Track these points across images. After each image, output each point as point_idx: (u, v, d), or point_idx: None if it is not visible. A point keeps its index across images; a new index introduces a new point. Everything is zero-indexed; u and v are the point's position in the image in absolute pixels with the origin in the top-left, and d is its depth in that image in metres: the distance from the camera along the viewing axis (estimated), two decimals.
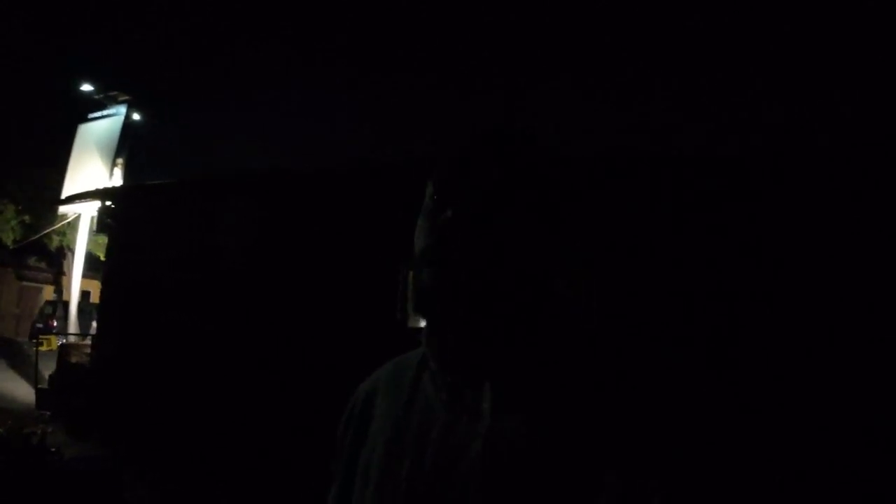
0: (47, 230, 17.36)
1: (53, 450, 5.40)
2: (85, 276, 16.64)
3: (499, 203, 0.60)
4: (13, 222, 17.82)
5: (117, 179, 15.60)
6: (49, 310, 17.54)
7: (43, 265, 21.16)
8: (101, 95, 17.98)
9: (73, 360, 8.45)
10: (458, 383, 0.64)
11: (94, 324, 11.78)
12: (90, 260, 16.34)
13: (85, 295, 18.17)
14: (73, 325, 15.06)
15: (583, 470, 0.54)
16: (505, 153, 0.63)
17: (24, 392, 9.53)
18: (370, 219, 4.74)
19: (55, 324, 16.10)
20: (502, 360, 0.62)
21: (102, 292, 8.05)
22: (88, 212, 14.86)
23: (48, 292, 20.75)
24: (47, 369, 9.14)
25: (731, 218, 3.45)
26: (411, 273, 0.65)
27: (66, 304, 16.24)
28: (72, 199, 11.05)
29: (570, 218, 0.64)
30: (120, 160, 16.12)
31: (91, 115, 17.93)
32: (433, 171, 0.67)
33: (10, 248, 18.18)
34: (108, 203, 8.79)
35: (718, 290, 3.32)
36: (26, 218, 18.00)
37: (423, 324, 0.70)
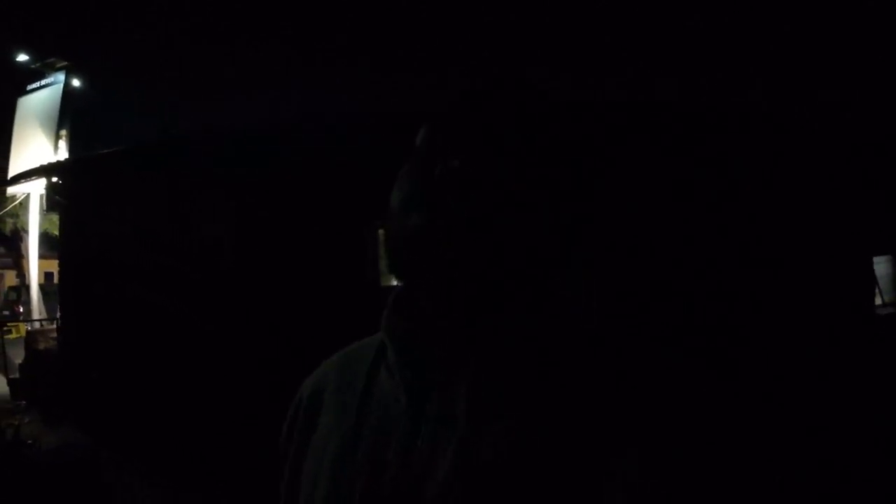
0: None
1: (30, 442, 5.30)
2: (46, 257, 16.10)
3: (516, 167, 0.53)
4: None
5: (63, 153, 14.83)
6: (13, 296, 17.02)
7: (1, 250, 20.47)
8: (39, 64, 16.95)
9: (41, 346, 8.22)
10: (421, 381, 0.54)
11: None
12: (48, 240, 15.77)
13: (49, 277, 17.63)
14: (36, 309, 14.63)
15: (579, 486, 0.47)
16: (525, 113, 0.55)
17: None
18: (338, 178, 4.55)
19: (21, 310, 15.63)
20: (489, 351, 0.53)
21: (60, 273, 7.78)
22: (37, 190, 14.19)
23: (10, 278, 20.13)
24: (17, 357, 8.97)
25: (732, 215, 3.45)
26: (385, 228, 0.57)
27: (28, 289, 15.77)
28: (16, 180, 10.47)
29: (581, 203, 0.57)
30: (63, 132, 15.30)
31: (29, 87, 16.97)
32: (434, 115, 0.58)
33: None
34: (54, 179, 8.35)
35: (720, 288, 3.34)
36: None
37: (395, 282, 0.61)
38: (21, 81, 17.23)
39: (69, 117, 15.88)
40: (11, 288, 18.43)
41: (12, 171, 14.56)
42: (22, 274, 18.57)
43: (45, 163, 9.29)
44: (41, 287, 15.92)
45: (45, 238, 15.95)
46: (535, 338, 0.54)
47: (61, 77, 16.35)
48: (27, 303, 15.76)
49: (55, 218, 13.11)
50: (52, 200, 10.87)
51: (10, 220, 18.17)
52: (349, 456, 0.56)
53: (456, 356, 0.53)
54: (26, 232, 16.50)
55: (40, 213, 15.44)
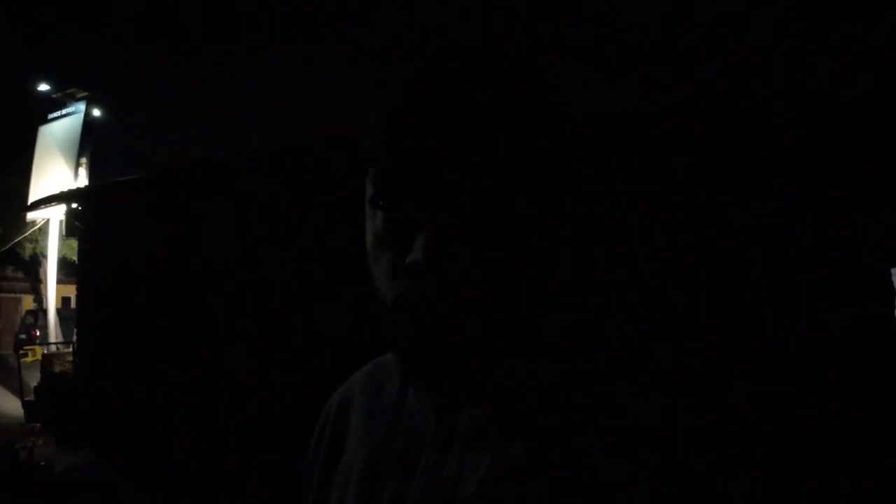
0: (17, 238, 16.94)
1: (43, 463, 5.33)
2: (63, 281, 16.34)
3: (498, 185, 0.45)
4: None
5: (83, 180, 15.17)
6: (31, 320, 17.20)
7: (20, 275, 20.80)
8: (59, 94, 17.48)
9: (57, 369, 8.31)
10: (449, 401, 0.52)
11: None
12: (67, 265, 16.03)
13: (66, 301, 17.85)
14: (53, 333, 14.80)
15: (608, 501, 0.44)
16: (494, 88, 0.45)
17: (12, 406, 9.44)
18: (348, 194, 4.48)
19: (38, 333, 15.80)
20: (509, 368, 0.51)
21: (78, 298, 7.88)
22: (57, 216, 14.49)
23: (28, 302, 20.39)
24: (34, 380, 9.05)
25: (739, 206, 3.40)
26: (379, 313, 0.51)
27: (45, 313, 15.96)
28: (37, 205, 10.72)
29: (586, 197, 0.52)
30: (84, 159, 15.69)
31: (51, 116, 17.45)
32: (367, 140, 0.49)
33: None
34: (74, 205, 8.53)
35: (728, 295, 3.29)
36: None
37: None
38: (42, 110, 17.74)
39: (89, 145, 16.28)
40: (29, 312, 18.63)
41: (33, 196, 14.91)
42: (39, 298, 18.84)
43: (65, 189, 9.50)
44: (58, 311, 16.13)
45: (63, 263, 16.22)
46: (547, 350, 0.52)
47: (82, 107, 16.81)
48: (44, 326, 15.95)
49: (74, 243, 13.37)
50: (72, 226, 11.10)
51: (29, 245, 18.52)
52: (378, 470, 0.55)
53: (481, 376, 0.51)
54: (45, 257, 16.81)
55: (59, 239, 15.74)
